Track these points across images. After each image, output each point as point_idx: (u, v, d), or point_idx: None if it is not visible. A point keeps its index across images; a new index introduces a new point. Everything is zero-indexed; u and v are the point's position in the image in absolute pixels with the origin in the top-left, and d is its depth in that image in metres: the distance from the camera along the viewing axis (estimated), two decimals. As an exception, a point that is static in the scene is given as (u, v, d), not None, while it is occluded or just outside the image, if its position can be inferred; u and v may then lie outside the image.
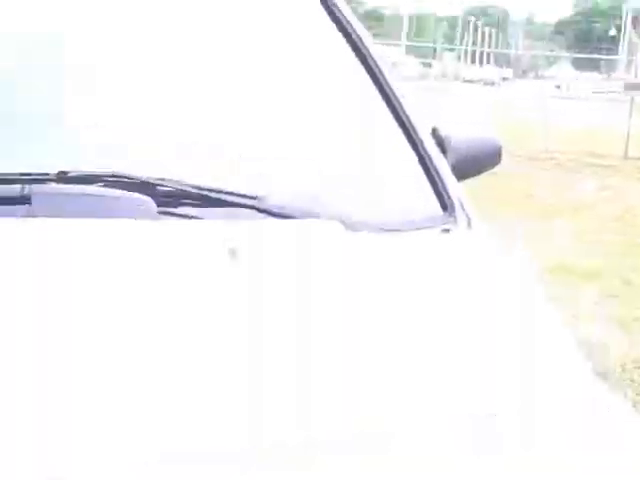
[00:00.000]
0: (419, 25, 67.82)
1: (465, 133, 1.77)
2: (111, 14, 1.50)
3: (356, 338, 1.09)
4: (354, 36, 1.68)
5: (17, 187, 1.17)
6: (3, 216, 1.12)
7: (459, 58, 57.06)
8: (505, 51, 66.16)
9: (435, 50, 55.31)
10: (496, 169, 1.89)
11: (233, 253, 1.16)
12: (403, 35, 47.76)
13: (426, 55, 52.75)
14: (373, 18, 70.73)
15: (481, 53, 58.10)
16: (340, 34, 1.67)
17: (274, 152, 1.44)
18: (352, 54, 1.64)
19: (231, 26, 1.61)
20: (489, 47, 63.55)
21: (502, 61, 59.53)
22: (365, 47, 1.66)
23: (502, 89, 38.46)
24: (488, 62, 56.81)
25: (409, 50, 47.91)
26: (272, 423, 0.92)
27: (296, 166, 1.45)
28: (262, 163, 1.40)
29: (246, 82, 1.54)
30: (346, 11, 1.70)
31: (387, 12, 73.86)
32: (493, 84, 44.20)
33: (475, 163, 1.74)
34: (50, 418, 0.86)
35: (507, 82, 48.33)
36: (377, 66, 1.65)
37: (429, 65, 46.48)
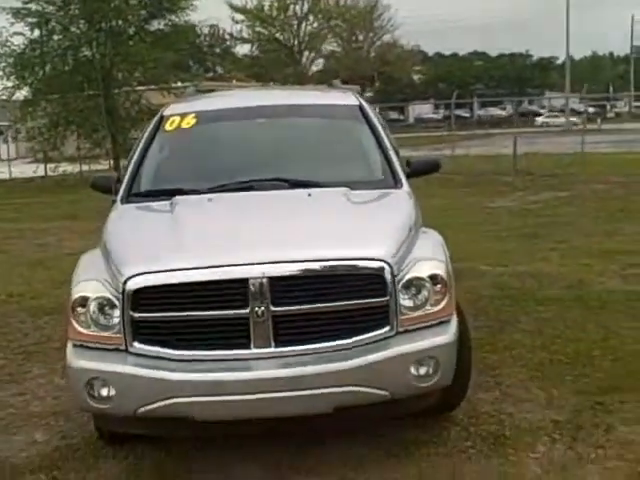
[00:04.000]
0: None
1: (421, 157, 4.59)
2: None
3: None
4: (373, 122, 4.59)
5: (248, 184, 4.16)
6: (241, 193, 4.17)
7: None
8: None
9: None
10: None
11: (310, 195, 3.97)
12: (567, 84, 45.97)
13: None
14: (540, 68, 70.44)
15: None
16: (367, 125, 4.60)
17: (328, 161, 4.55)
18: (373, 138, 4.61)
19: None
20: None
21: None
22: (378, 129, 4.60)
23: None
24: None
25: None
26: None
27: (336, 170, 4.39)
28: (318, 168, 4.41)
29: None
30: (374, 113, 4.80)
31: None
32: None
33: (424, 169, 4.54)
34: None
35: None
36: (382, 135, 4.55)
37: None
